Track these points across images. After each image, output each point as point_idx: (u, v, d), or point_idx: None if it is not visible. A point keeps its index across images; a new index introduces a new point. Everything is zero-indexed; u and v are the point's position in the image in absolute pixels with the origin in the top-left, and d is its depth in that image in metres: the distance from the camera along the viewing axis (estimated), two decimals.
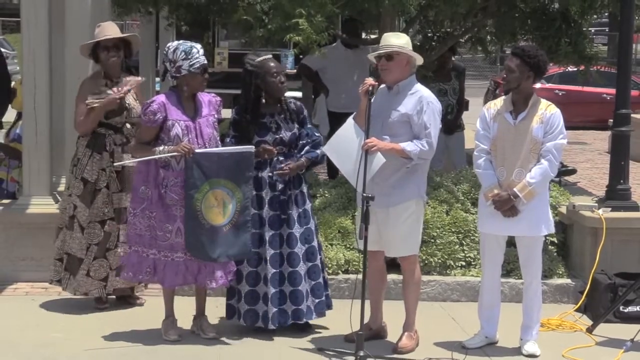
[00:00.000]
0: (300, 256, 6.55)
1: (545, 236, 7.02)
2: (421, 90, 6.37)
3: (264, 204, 6.52)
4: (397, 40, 6.30)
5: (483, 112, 6.49)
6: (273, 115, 6.59)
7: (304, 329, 6.66)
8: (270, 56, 6.73)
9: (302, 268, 6.55)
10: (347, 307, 6.29)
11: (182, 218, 6.33)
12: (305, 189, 6.67)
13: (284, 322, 6.56)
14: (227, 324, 6.72)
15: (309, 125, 6.73)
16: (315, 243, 6.65)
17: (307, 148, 6.62)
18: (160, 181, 6.38)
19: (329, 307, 6.74)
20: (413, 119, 6.26)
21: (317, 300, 6.64)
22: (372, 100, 6.21)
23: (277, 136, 6.54)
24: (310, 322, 6.71)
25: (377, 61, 6.37)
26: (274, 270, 6.51)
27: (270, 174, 6.51)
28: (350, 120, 6.35)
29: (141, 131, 6.54)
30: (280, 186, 6.52)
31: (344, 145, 6.28)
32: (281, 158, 6.55)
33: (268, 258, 6.50)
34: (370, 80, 6.25)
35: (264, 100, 6.57)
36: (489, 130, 6.41)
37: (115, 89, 6.89)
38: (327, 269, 7.21)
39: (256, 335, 6.59)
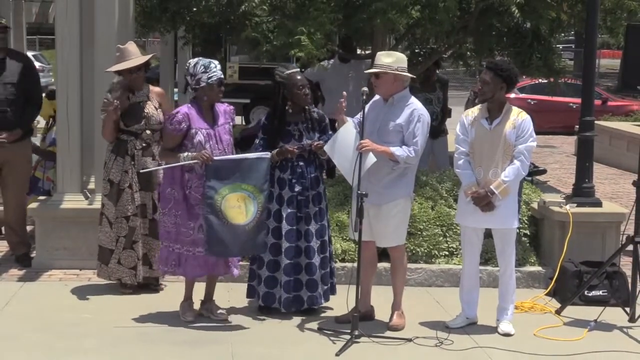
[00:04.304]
0: (316, 249, 6.53)
1: (519, 228, 7.02)
2: (415, 104, 6.35)
3: (283, 201, 6.50)
4: (387, 59, 6.28)
5: (462, 118, 6.48)
6: (297, 123, 6.55)
7: (309, 311, 6.65)
8: (298, 69, 6.69)
9: (317, 260, 6.54)
10: (344, 292, 6.29)
11: (204, 217, 6.25)
12: (322, 190, 6.65)
13: (300, 306, 6.58)
14: (236, 307, 6.74)
15: (330, 132, 6.65)
16: (327, 237, 6.65)
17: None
18: (185, 183, 6.36)
19: (333, 292, 6.74)
20: (404, 128, 6.27)
21: (325, 287, 6.65)
22: (365, 107, 6.24)
23: (300, 143, 6.50)
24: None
25: (371, 77, 6.38)
26: (288, 261, 6.49)
27: (290, 176, 6.49)
28: (346, 125, 6.32)
29: (166, 139, 6.50)
30: (298, 187, 6.49)
31: (343, 147, 6.27)
32: (301, 163, 6.52)
33: (283, 250, 6.49)
34: (364, 91, 6.26)
35: (290, 110, 6.55)
36: (467, 135, 6.41)
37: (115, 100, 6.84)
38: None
39: (262, 315, 6.60)
